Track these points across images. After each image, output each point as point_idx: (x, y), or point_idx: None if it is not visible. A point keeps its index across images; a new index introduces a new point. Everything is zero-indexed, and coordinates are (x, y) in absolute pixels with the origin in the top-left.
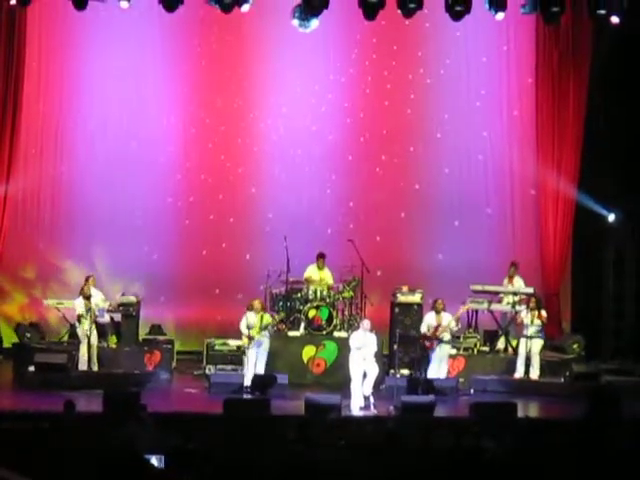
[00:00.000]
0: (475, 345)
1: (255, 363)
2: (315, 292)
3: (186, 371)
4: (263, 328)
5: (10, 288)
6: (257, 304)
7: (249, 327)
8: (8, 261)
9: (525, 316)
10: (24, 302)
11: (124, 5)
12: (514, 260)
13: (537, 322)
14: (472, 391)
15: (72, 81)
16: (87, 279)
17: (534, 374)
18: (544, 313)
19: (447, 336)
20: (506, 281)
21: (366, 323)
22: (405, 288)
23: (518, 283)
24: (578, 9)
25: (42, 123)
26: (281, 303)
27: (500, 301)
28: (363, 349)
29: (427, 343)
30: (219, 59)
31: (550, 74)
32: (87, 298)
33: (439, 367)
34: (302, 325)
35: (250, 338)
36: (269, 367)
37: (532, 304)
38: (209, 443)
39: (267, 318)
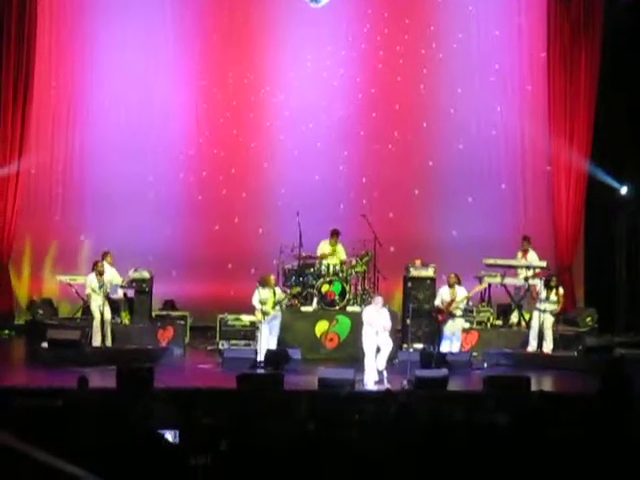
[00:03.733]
0: (488, 319)
1: (268, 338)
2: (328, 267)
3: (199, 347)
4: (277, 303)
5: (23, 264)
6: (270, 279)
7: (262, 302)
8: (21, 237)
9: (542, 290)
10: (37, 278)
11: None
12: (526, 234)
13: (554, 299)
14: (485, 365)
15: (84, 57)
16: (104, 255)
17: (547, 348)
18: (562, 291)
19: (459, 311)
20: (520, 255)
21: (378, 300)
22: (418, 262)
23: (532, 257)
24: None
25: (54, 99)
26: (294, 278)
27: (514, 275)
28: (376, 323)
29: (440, 317)
30: (230, 34)
31: (562, 47)
32: (100, 274)
33: (452, 341)
34: (315, 300)
35: (264, 313)
36: (282, 342)
37: (553, 283)
38: (223, 418)
39: (280, 294)
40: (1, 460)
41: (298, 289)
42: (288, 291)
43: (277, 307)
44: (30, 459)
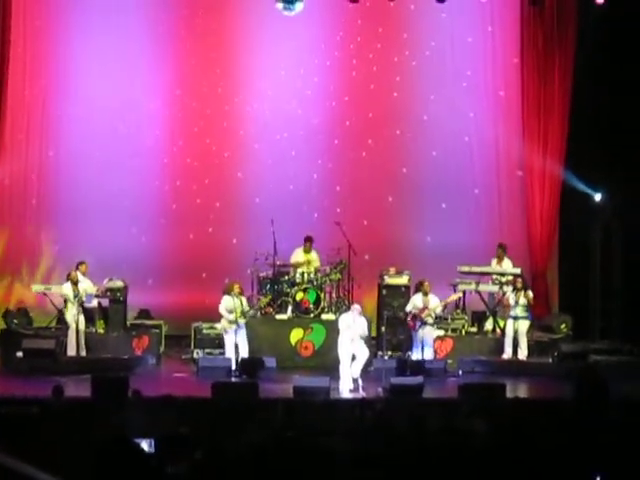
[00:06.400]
0: (463, 326)
1: (236, 346)
2: (302, 275)
3: (174, 355)
4: (242, 314)
5: None
6: (236, 288)
7: (229, 310)
8: None
9: (511, 296)
10: (11, 288)
11: None
12: (501, 242)
13: (523, 302)
14: (460, 372)
15: (58, 65)
16: (78, 265)
17: (522, 354)
18: (530, 293)
19: (430, 319)
20: (494, 262)
21: (357, 308)
22: (392, 270)
23: (506, 264)
24: None
25: (28, 108)
26: (268, 286)
27: (488, 282)
28: (351, 331)
29: (411, 322)
30: (204, 43)
31: (535, 54)
32: (75, 283)
33: (423, 349)
34: (290, 308)
35: (232, 322)
36: (257, 350)
37: (518, 284)
38: (198, 427)
39: (246, 305)
40: None
41: (267, 299)
42: (256, 301)
43: (243, 316)
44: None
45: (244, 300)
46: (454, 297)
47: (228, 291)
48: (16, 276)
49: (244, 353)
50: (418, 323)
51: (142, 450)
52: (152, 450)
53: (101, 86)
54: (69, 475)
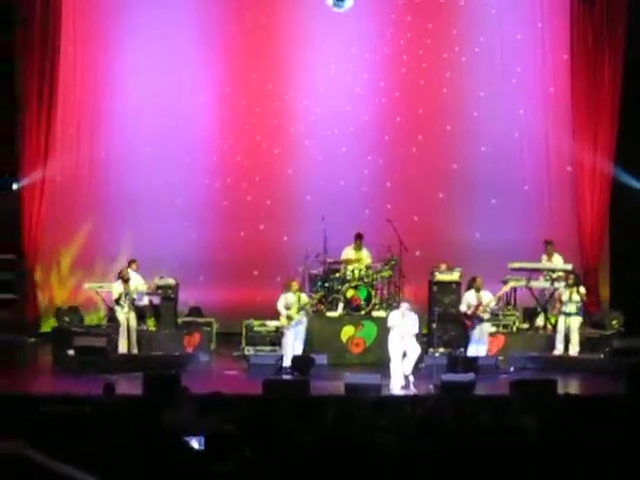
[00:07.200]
0: (514, 322)
1: (293, 344)
2: (353, 272)
3: (225, 353)
4: (301, 308)
5: (50, 272)
6: (295, 284)
7: (287, 307)
8: (47, 245)
9: (564, 292)
10: (64, 286)
11: None
12: (547, 238)
13: (576, 298)
14: (512, 369)
15: (108, 63)
16: (129, 263)
17: (573, 351)
18: (583, 289)
19: (487, 315)
20: (545, 258)
21: (405, 305)
22: (443, 266)
23: (557, 260)
24: None
25: (79, 106)
26: (319, 284)
27: (539, 278)
28: (401, 328)
29: (467, 322)
30: (254, 39)
31: (585, 50)
32: (126, 281)
33: (479, 346)
34: (340, 305)
35: (289, 318)
36: (308, 348)
37: (571, 281)
38: (248, 424)
39: (304, 298)
40: (17, 470)
41: (319, 296)
42: (313, 296)
43: (302, 312)
44: (46, 469)
45: (303, 296)
46: (506, 288)
47: (287, 288)
48: (68, 273)
49: (298, 350)
50: (475, 321)
51: (191, 448)
52: (201, 447)
53: (150, 82)
54: (119, 473)
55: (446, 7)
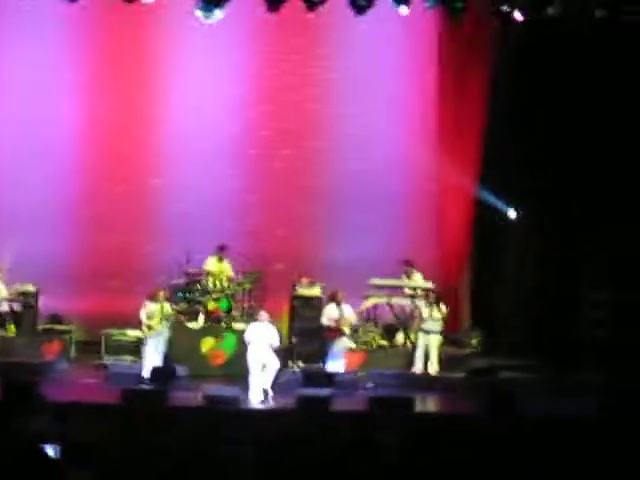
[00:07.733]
0: (374, 339)
1: (153, 354)
2: (214, 283)
3: (85, 361)
4: (164, 318)
5: None
6: (161, 294)
7: (149, 317)
8: None
9: (424, 310)
10: None
11: None
12: (406, 258)
13: (436, 316)
14: (371, 385)
15: None
16: None
17: (432, 369)
18: (443, 307)
19: (347, 330)
20: (404, 277)
21: (263, 315)
22: (305, 280)
23: (417, 278)
24: (481, 5)
25: None
26: (180, 294)
27: (400, 295)
28: (260, 341)
29: (330, 334)
30: (121, 51)
31: (453, 69)
32: None
33: (337, 361)
34: (201, 317)
35: (149, 328)
36: (168, 359)
37: (431, 298)
38: (106, 433)
39: (167, 309)
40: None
41: (183, 305)
42: (174, 306)
43: (164, 323)
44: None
45: (167, 307)
46: (367, 304)
47: (152, 297)
48: None
49: (157, 361)
50: (337, 333)
51: (46, 455)
52: (57, 456)
53: (15, 94)
54: None
55: (316, 22)
